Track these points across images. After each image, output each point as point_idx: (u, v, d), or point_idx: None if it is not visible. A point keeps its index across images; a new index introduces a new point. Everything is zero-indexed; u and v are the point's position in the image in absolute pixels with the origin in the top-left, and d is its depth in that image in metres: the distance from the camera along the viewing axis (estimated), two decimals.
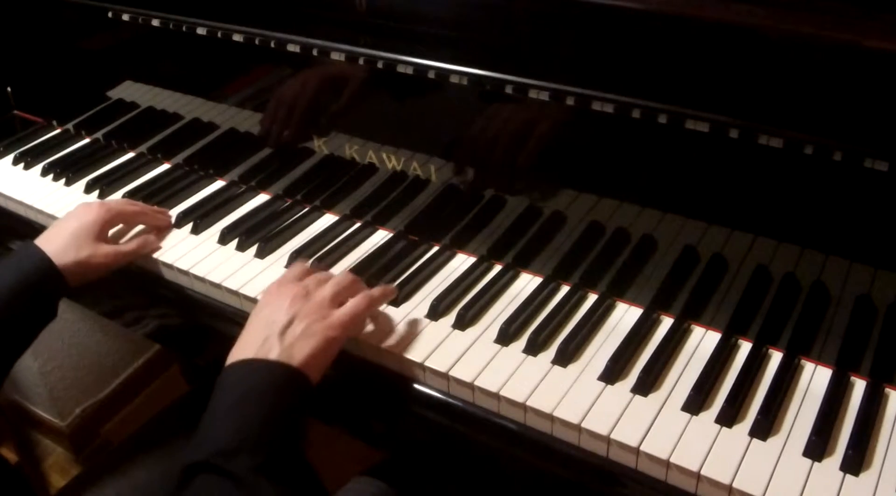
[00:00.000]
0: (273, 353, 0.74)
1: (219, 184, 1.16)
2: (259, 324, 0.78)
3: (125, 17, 1.09)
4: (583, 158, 0.85)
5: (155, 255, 1.00)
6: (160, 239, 1.03)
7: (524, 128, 0.86)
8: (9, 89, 1.34)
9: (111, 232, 1.00)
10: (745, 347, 0.83)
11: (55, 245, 0.92)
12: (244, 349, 0.76)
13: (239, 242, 1.01)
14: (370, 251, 0.99)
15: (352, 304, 0.81)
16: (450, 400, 0.81)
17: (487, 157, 0.90)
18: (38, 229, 1.12)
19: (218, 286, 0.95)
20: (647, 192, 0.83)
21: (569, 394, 0.77)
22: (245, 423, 0.70)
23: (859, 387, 0.78)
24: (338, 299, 0.81)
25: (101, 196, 1.13)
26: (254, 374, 0.74)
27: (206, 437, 0.70)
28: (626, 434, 0.73)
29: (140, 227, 1.04)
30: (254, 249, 1.00)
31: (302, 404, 0.74)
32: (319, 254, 0.98)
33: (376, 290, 0.85)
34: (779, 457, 0.71)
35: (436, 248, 0.99)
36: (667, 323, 0.86)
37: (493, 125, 0.88)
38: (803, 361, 0.81)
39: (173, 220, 1.06)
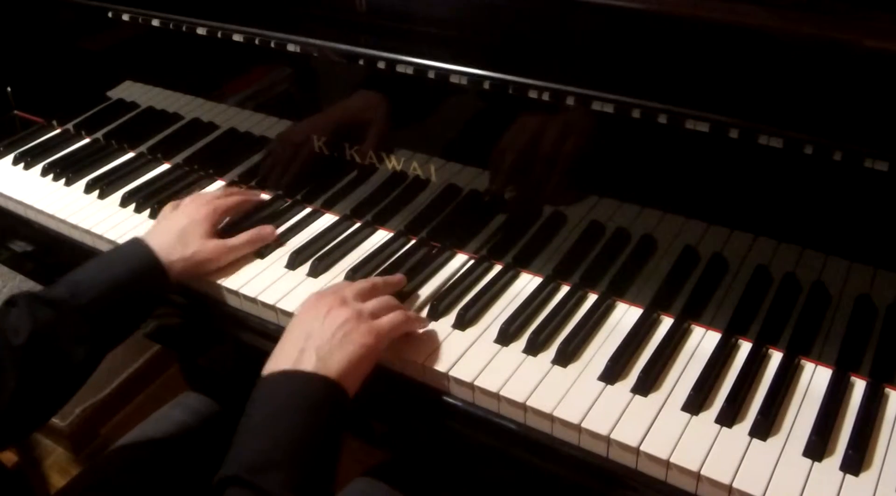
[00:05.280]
0: (310, 364, 0.73)
1: (219, 184, 1.16)
2: (296, 336, 0.77)
3: (125, 17, 1.09)
4: (583, 158, 0.85)
5: None
6: (271, 232, 1.01)
7: (524, 128, 0.86)
8: (9, 89, 1.34)
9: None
10: (745, 347, 0.83)
11: (161, 241, 0.92)
12: (281, 360, 0.75)
13: None
14: (370, 251, 0.99)
15: (390, 317, 0.80)
16: (450, 400, 0.81)
17: (487, 157, 0.90)
18: (38, 229, 1.13)
19: (217, 286, 0.95)
20: (647, 192, 0.83)
21: (569, 394, 0.77)
22: (279, 438, 0.69)
23: (859, 387, 0.78)
24: (376, 314, 0.81)
25: (102, 196, 1.13)
26: (290, 386, 0.73)
27: (240, 451, 0.69)
28: (626, 434, 0.73)
29: None
30: None
31: (337, 417, 0.73)
32: (319, 254, 0.98)
33: (413, 313, 0.84)
34: (779, 457, 0.71)
35: (436, 248, 0.99)
36: (667, 323, 0.86)
37: (492, 125, 0.88)
38: (803, 361, 0.81)
39: None
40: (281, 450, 0.68)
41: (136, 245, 0.92)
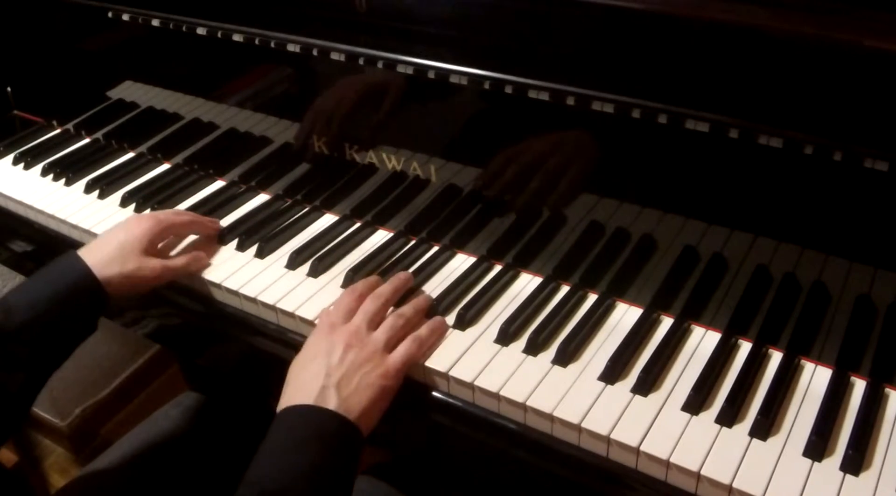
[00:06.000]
0: (331, 404, 0.74)
1: (219, 184, 1.16)
2: (314, 373, 0.77)
3: (125, 17, 1.09)
4: (583, 158, 0.85)
5: None
6: (210, 254, 0.99)
7: (524, 128, 0.86)
8: (9, 89, 1.34)
9: (161, 244, 0.97)
10: (745, 347, 0.83)
11: (99, 256, 0.88)
12: (300, 394, 0.76)
13: (239, 242, 1.01)
14: (370, 251, 0.99)
15: (404, 351, 0.81)
16: (450, 400, 0.81)
17: (487, 158, 0.90)
18: (38, 229, 1.13)
19: (218, 286, 0.95)
20: (647, 192, 0.83)
21: (569, 394, 0.77)
22: (297, 468, 0.70)
23: (859, 387, 0.78)
24: (391, 343, 0.81)
25: (102, 196, 1.13)
26: (310, 422, 0.74)
27: (258, 476, 0.70)
28: (626, 434, 0.73)
29: (190, 240, 1.01)
30: (254, 249, 1.00)
31: (353, 457, 0.74)
32: (319, 254, 0.98)
33: (424, 330, 0.84)
34: (779, 457, 0.71)
35: (436, 248, 0.99)
36: (667, 323, 0.86)
37: (493, 125, 0.88)
38: (803, 361, 0.81)
39: None
40: (297, 479, 0.69)
41: (71, 261, 0.87)
